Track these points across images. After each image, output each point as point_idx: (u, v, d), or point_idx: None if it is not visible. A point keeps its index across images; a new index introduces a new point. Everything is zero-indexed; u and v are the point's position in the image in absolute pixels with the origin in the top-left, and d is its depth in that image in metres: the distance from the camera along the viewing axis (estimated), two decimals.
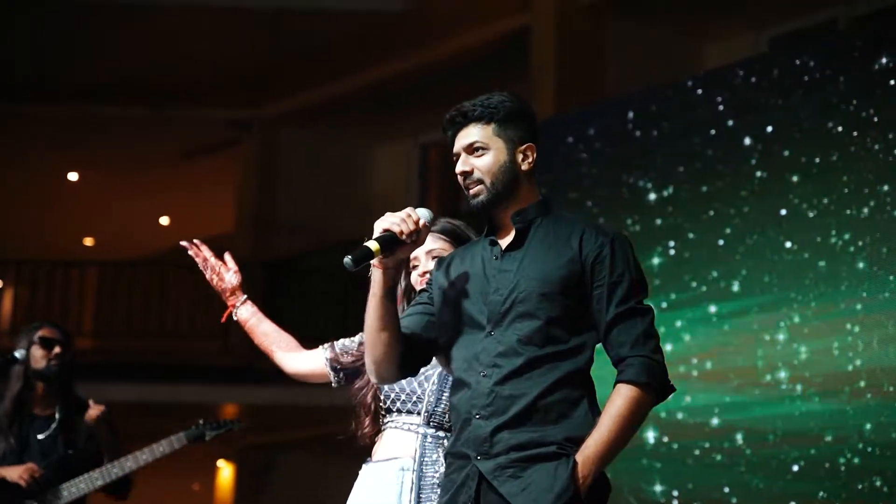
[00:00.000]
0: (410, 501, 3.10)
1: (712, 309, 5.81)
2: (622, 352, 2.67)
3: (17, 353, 4.68)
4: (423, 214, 2.75)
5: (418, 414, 3.18)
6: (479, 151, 2.78)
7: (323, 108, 10.87)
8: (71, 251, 13.01)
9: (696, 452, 5.74)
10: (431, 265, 3.12)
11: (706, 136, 5.99)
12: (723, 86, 6.01)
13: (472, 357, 2.72)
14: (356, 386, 3.32)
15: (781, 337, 5.49)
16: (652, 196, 6.20)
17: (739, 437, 5.57)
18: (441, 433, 3.15)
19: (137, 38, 9.93)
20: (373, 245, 2.67)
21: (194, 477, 13.05)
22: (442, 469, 3.04)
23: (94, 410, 4.75)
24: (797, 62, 5.68)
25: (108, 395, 5.13)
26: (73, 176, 12.51)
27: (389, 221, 2.71)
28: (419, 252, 3.18)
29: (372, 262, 2.71)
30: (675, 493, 5.78)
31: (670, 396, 2.73)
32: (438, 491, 3.02)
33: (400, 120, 10.90)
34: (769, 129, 5.74)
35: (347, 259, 2.65)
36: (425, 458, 3.13)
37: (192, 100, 11.00)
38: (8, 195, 12.54)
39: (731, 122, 5.91)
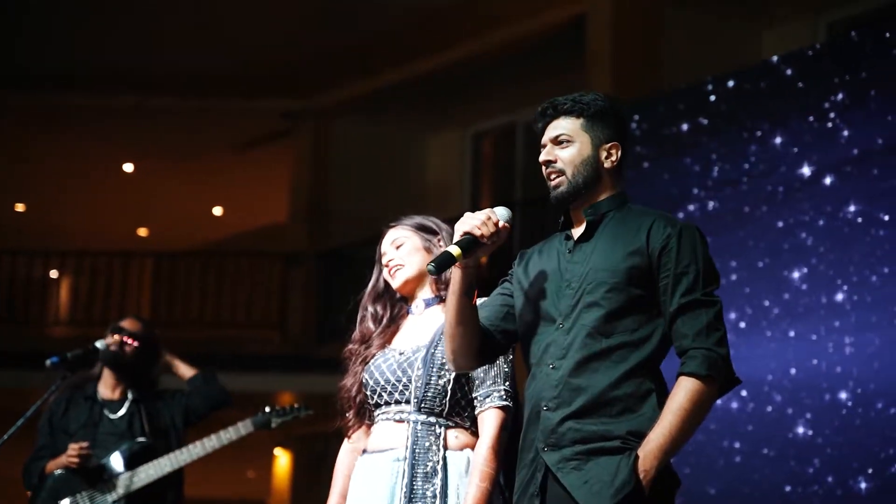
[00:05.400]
0: (402, 489, 3.06)
1: None
2: (685, 343, 2.68)
3: (98, 343, 4.77)
4: (501, 215, 2.79)
5: (408, 402, 3.15)
6: (565, 143, 2.83)
7: (376, 98, 10.89)
8: (126, 241, 13.13)
9: None
10: (394, 252, 3.24)
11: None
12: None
13: (543, 350, 2.76)
14: (343, 381, 3.31)
15: None
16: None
17: None
18: (433, 419, 3.12)
19: (191, 28, 9.99)
20: (454, 250, 2.73)
21: (250, 464, 13.15)
22: (436, 457, 3.07)
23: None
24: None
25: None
26: (128, 167, 12.63)
27: (470, 224, 2.75)
28: (385, 245, 3.29)
29: None
30: None
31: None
32: (434, 480, 3.04)
33: (453, 109, 10.89)
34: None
35: (430, 266, 2.74)
36: (417, 447, 3.09)
37: (245, 90, 11.06)
38: (64, 186, 12.68)
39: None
